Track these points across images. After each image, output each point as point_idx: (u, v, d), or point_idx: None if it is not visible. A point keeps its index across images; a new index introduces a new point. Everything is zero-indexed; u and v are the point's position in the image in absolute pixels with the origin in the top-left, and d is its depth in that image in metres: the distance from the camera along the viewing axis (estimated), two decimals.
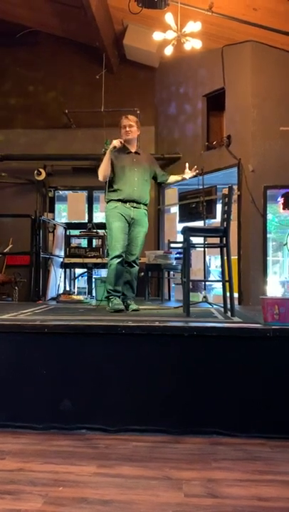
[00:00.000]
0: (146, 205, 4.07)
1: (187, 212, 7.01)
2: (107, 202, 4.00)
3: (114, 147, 3.85)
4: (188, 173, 4.19)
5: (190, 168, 4.20)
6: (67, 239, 6.74)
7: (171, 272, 6.61)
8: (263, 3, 5.45)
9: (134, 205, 3.95)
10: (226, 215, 3.55)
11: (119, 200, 3.91)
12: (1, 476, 1.89)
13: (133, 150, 4.04)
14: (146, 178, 4.04)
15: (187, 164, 4.27)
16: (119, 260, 3.83)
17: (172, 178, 4.29)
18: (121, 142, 3.88)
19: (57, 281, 6.61)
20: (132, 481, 1.86)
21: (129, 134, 3.96)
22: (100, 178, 3.96)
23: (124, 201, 3.92)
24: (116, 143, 3.86)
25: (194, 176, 4.32)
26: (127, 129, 3.96)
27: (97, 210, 8.19)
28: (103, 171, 3.92)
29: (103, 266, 6.30)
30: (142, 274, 5.95)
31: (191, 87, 7.02)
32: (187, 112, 7.11)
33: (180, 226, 6.97)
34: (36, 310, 3.86)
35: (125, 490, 1.77)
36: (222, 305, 3.67)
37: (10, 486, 1.80)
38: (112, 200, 3.95)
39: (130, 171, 3.94)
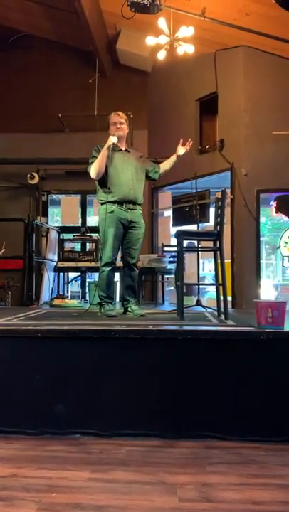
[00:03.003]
0: (140, 205, 3.92)
1: (181, 216, 7.03)
2: (102, 203, 3.81)
3: (113, 143, 3.68)
4: (181, 149, 3.92)
5: (183, 144, 3.92)
6: (61, 243, 6.72)
7: (165, 276, 6.61)
8: (255, 9, 5.49)
9: (131, 206, 3.79)
10: (219, 219, 3.56)
11: (115, 202, 3.73)
12: None
13: (123, 148, 3.89)
14: (139, 177, 3.89)
15: (181, 140, 3.95)
16: (111, 267, 3.77)
17: (165, 165, 4.07)
18: (116, 138, 3.71)
19: (50, 285, 6.58)
20: (126, 485, 1.85)
21: (120, 131, 3.79)
22: (93, 175, 3.77)
23: (120, 203, 3.74)
24: (114, 139, 3.68)
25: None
26: (118, 125, 3.80)
27: (90, 214, 8.18)
28: (98, 168, 3.71)
29: (97, 270, 6.26)
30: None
31: (184, 92, 7.05)
32: (180, 116, 7.13)
33: (174, 230, 6.98)
34: (29, 314, 3.84)
35: (119, 495, 1.76)
36: (216, 308, 3.68)
37: (3, 492, 1.79)
38: (107, 202, 3.74)
39: (123, 170, 3.78)
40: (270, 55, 6.19)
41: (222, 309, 3.49)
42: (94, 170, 3.76)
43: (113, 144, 3.71)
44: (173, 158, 4.03)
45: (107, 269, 3.77)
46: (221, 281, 3.47)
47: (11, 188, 7.62)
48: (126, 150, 3.92)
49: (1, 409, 2.51)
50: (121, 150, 3.87)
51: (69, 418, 2.46)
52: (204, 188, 6.47)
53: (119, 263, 4.02)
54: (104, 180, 3.77)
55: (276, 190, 6.22)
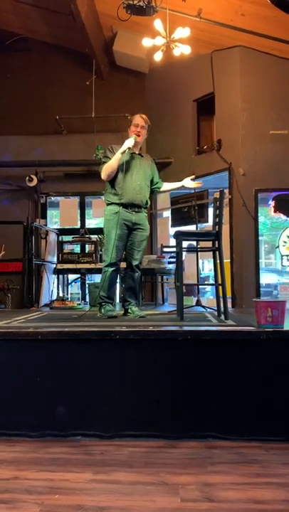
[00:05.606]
0: (146, 208, 3.91)
1: (179, 217, 7.04)
2: (108, 204, 3.82)
3: (129, 148, 3.66)
4: (190, 183, 3.97)
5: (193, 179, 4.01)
6: (60, 245, 6.72)
7: (165, 276, 6.61)
8: (251, 9, 5.51)
9: (136, 209, 3.80)
10: (217, 219, 3.57)
11: (120, 205, 3.73)
12: None
13: (137, 152, 3.87)
14: (148, 182, 3.90)
15: (193, 176, 4.07)
16: (114, 268, 3.77)
17: (167, 186, 4.11)
18: (133, 142, 3.69)
19: (50, 287, 6.59)
20: (128, 487, 1.85)
21: (139, 135, 3.76)
22: (104, 177, 3.76)
23: (125, 206, 3.74)
24: (130, 143, 3.66)
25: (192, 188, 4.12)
26: (139, 129, 3.77)
27: (89, 216, 8.19)
28: (110, 170, 3.71)
29: (96, 271, 6.29)
30: None
31: (181, 92, 7.06)
32: (177, 117, 7.14)
33: (172, 230, 7.00)
34: (30, 317, 3.84)
35: (122, 496, 1.77)
36: (216, 308, 3.68)
37: (5, 494, 1.79)
38: (113, 203, 3.77)
39: (133, 174, 3.77)
40: (266, 55, 6.21)
41: (222, 309, 3.49)
42: (105, 172, 3.76)
43: (129, 148, 3.68)
44: (178, 185, 4.08)
45: (110, 269, 3.77)
46: (220, 281, 3.48)
47: (9, 191, 7.63)
48: (140, 154, 3.90)
49: (3, 412, 2.51)
50: (134, 153, 3.84)
51: (70, 420, 2.46)
52: (202, 188, 6.47)
53: (122, 264, 4.03)
54: (113, 182, 3.79)
55: (274, 190, 6.24)
